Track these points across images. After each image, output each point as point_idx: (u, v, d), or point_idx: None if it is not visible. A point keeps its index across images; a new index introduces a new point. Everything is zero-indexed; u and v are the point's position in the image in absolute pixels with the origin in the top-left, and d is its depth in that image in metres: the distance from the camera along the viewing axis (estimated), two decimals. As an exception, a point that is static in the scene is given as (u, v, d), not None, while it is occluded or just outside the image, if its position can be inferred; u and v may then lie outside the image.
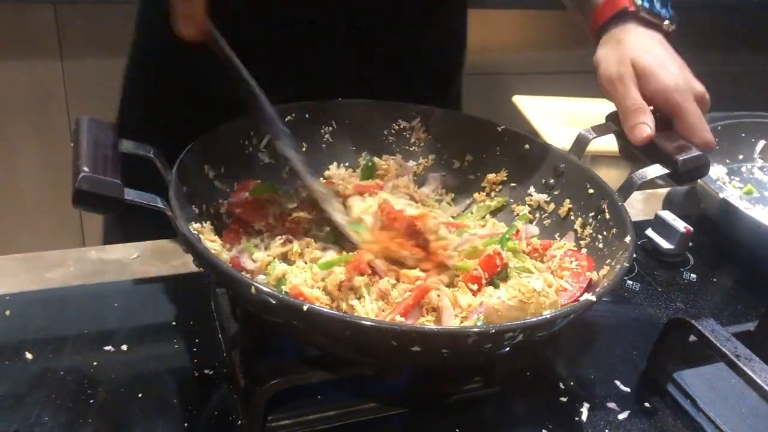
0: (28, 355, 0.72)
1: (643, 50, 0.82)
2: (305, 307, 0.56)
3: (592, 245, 0.79)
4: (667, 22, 0.87)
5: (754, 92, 2.25)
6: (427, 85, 1.05)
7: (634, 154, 0.84)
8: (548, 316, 0.63)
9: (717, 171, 1.19)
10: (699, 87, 0.83)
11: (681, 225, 0.99)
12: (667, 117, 0.81)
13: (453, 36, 1.12)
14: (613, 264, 0.73)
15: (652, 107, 0.81)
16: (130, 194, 0.61)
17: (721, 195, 1.01)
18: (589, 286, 0.74)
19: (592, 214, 0.81)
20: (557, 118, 2.25)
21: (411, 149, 0.94)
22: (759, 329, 0.80)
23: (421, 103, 0.94)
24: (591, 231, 0.81)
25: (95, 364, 0.72)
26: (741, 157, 1.25)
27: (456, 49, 1.14)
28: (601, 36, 0.88)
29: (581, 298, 0.66)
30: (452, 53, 1.14)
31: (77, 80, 2.04)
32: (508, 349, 0.66)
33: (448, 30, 1.11)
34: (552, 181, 0.88)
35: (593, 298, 0.64)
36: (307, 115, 0.89)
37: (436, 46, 1.06)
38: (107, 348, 0.74)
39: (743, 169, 1.24)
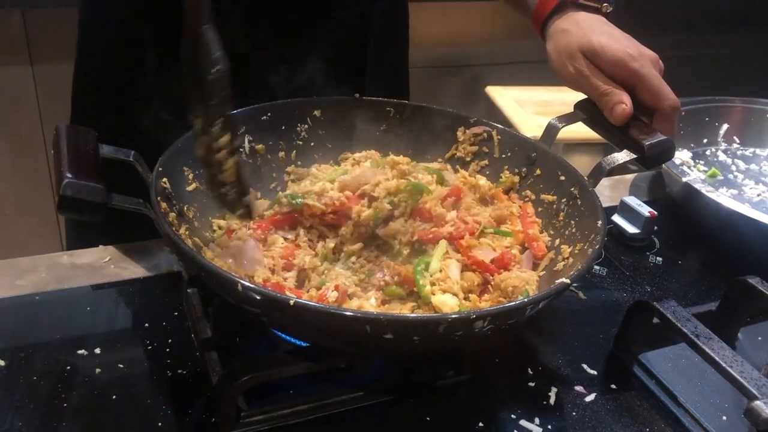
0: (1, 362, 0.72)
1: (589, 32, 0.85)
2: (291, 302, 0.57)
3: (565, 230, 0.81)
4: (605, 3, 0.90)
5: (717, 76, 2.28)
6: (372, 79, 1.06)
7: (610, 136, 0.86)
8: (518, 303, 0.65)
9: (682, 155, 1.22)
10: (651, 53, 0.85)
11: (645, 209, 1.01)
12: (630, 87, 0.84)
13: (397, 29, 1.14)
14: (585, 248, 0.75)
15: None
16: (114, 198, 0.62)
17: (685, 179, 1.03)
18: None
19: (564, 199, 0.83)
20: (530, 108, 2.27)
21: (387, 143, 0.95)
22: (720, 309, 0.82)
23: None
24: (563, 216, 0.83)
25: (69, 368, 0.72)
26: (705, 141, 1.28)
27: (400, 42, 1.15)
28: (545, 30, 0.90)
29: (557, 281, 0.67)
30: (396, 46, 1.15)
31: (48, 85, 2.03)
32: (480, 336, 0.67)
33: (392, 24, 1.12)
34: (524, 169, 0.90)
35: (567, 281, 0.65)
36: (282, 114, 0.91)
37: (381, 40, 1.08)
38: (80, 352, 0.74)
39: (708, 152, 1.27)
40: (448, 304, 0.71)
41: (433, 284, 0.74)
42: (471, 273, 0.77)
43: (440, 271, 0.75)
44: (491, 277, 0.77)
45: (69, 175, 0.60)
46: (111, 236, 0.91)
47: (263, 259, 0.75)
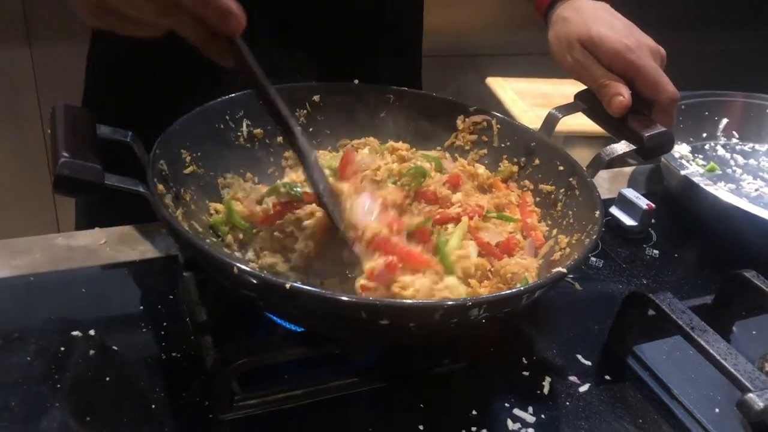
0: (-5, 342, 0.72)
1: (589, 21, 0.84)
2: (287, 285, 0.57)
3: (563, 220, 0.81)
4: None
5: (717, 71, 2.28)
6: (385, 66, 1.06)
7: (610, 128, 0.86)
8: (514, 291, 0.65)
9: (681, 149, 1.22)
10: (651, 43, 0.85)
11: (643, 202, 1.01)
12: (628, 78, 0.83)
13: (410, 16, 1.13)
14: (582, 238, 0.75)
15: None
16: (110, 179, 0.62)
17: (683, 172, 1.03)
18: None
19: (563, 190, 0.83)
20: (531, 100, 2.27)
21: (386, 131, 0.94)
22: (715, 302, 0.82)
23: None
24: (561, 206, 0.83)
25: (62, 349, 0.72)
26: (704, 135, 1.28)
27: (413, 29, 1.15)
28: (548, 17, 0.90)
29: (553, 270, 0.67)
30: (409, 34, 1.14)
31: (46, 66, 2.02)
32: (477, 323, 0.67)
33: (405, 10, 1.11)
34: (523, 159, 0.90)
35: (564, 270, 0.65)
36: (282, 99, 0.89)
37: (394, 27, 1.07)
38: (74, 333, 0.74)
39: (707, 147, 1.27)
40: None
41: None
42: (480, 258, 0.77)
43: (460, 248, 0.74)
44: (491, 264, 0.76)
45: (65, 155, 0.60)
46: (119, 219, 0.91)
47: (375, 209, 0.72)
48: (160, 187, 0.70)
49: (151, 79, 1.00)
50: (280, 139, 0.91)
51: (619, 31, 0.83)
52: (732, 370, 0.66)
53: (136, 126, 0.73)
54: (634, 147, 0.81)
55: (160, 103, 0.82)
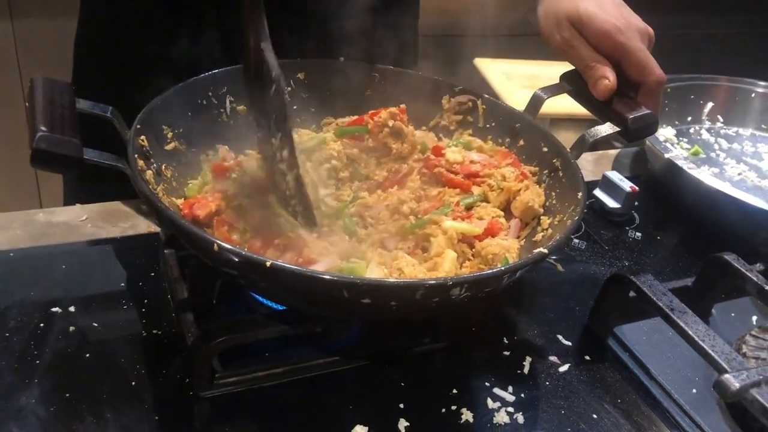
0: (-27, 318, 0.71)
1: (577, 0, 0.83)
2: (268, 263, 0.57)
3: (546, 201, 0.81)
4: None
5: (703, 55, 2.29)
6: (380, 44, 1.05)
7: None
8: (495, 271, 0.65)
9: (665, 132, 1.22)
10: (641, 23, 0.84)
11: (627, 184, 1.01)
12: (615, 60, 0.83)
13: None
14: (564, 219, 0.75)
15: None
16: (89, 153, 0.61)
17: (667, 155, 1.04)
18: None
19: (546, 171, 0.83)
20: (518, 81, 2.26)
21: (371, 109, 0.93)
22: (696, 285, 0.83)
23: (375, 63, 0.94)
24: (545, 188, 0.83)
25: (42, 325, 0.72)
26: (689, 118, 1.28)
27: (410, 8, 1.13)
28: None
29: (534, 250, 0.67)
30: (405, 11, 1.13)
31: (28, 40, 1.98)
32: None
33: None
34: (508, 139, 0.89)
35: (545, 251, 0.65)
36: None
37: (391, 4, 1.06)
38: (54, 310, 0.74)
39: (691, 130, 1.27)
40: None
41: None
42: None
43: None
44: (472, 248, 0.76)
45: (43, 128, 0.59)
46: (108, 195, 0.89)
47: None
48: (141, 163, 0.69)
49: (140, 55, 0.98)
50: (263, 116, 0.90)
51: (608, 11, 0.83)
52: (710, 351, 0.67)
53: (123, 101, 0.71)
54: (618, 129, 0.81)
55: (147, 79, 0.81)
